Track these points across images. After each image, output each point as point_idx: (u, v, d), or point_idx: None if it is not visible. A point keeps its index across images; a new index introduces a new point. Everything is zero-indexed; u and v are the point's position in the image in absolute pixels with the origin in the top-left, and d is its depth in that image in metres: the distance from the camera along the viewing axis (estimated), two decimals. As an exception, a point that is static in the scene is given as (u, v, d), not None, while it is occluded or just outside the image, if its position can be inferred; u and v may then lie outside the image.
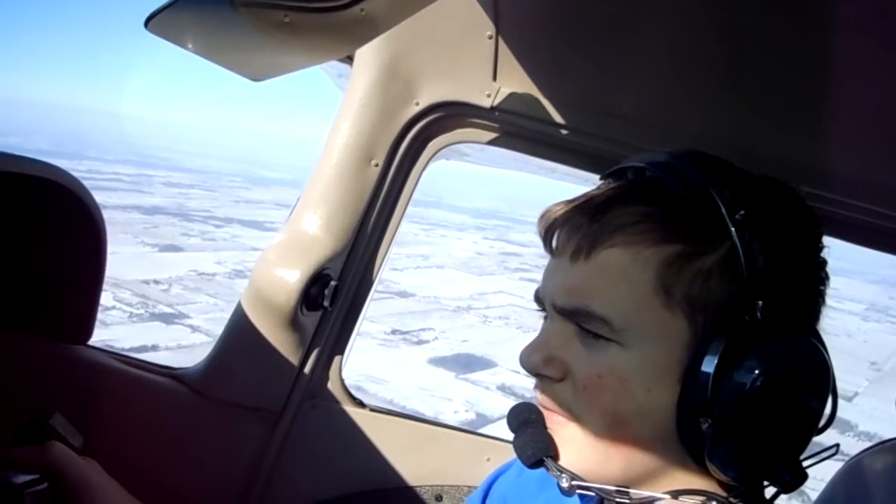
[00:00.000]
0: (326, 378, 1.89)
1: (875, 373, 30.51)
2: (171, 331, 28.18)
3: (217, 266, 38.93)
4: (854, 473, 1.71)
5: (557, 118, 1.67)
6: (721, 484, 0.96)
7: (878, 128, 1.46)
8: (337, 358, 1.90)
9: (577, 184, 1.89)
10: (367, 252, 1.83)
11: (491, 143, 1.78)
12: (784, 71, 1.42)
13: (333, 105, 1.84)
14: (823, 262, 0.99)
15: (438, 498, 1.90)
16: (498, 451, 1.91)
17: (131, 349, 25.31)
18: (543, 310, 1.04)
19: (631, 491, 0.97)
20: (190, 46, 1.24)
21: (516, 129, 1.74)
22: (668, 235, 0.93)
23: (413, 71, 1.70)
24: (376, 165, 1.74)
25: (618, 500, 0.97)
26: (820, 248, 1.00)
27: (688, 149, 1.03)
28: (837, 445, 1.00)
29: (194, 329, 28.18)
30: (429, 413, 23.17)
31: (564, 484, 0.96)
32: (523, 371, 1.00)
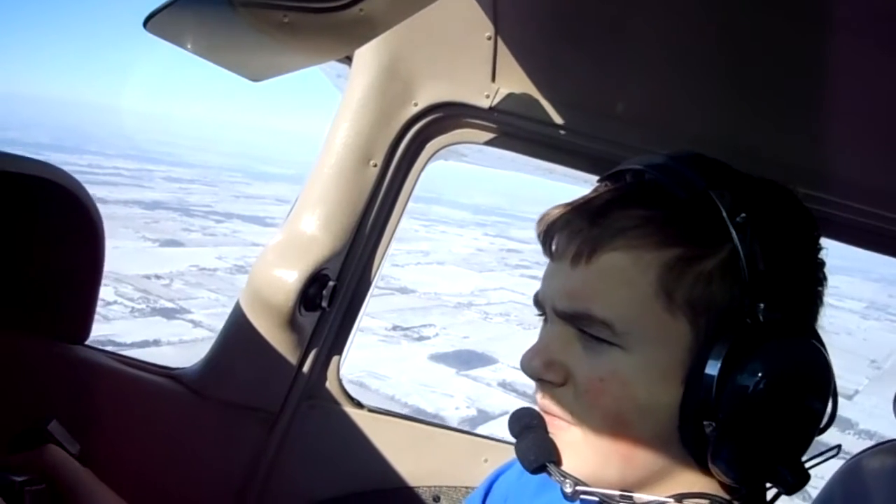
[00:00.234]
0: (324, 378, 1.90)
1: (875, 371, 30.50)
2: (172, 326, 28.20)
3: (218, 261, 38.95)
4: (852, 474, 1.71)
5: (556, 119, 1.67)
6: (723, 485, 0.96)
7: (876, 130, 1.46)
8: (335, 358, 1.90)
9: (575, 185, 1.90)
10: (365, 252, 1.83)
11: (489, 143, 1.78)
12: (783, 72, 1.42)
13: (334, 100, 1.84)
14: (822, 264, 0.99)
15: (436, 499, 1.90)
16: (495, 451, 1.91)
17: (133, 344, 25.33)
18: (543, 313, 1.04)
19: (634, 495, 0.96)
20: (189, 46, 1.24)
21: (515, 129, 1.74)
22: (669, 239, 0.93)
23: (412, 71, 1.70)
24: (375, 166, 1.74)
25: None
26: (818, 249, 1.00)
27: (686, 151, 1.02)
28: (839, 446, 1.00)
29: (196, 324, 28.20)
30: (430, 409, 23.17)
31: (568, 489, 0.95)
32: (525, 361, 0.99)
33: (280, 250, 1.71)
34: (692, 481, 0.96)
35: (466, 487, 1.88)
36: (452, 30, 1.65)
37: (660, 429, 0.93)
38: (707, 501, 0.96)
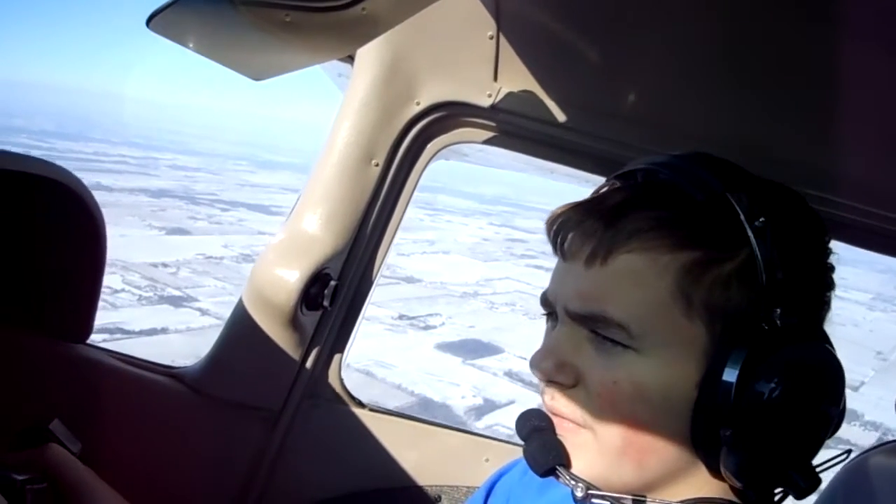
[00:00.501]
0: (326, 377, 1.90)
1: (881, 362, 30.52)
2: (180, 314, 28.40)
3: (224, 250, 39.19)
4: (855, 473, 1.71)
5: (558, 118, 1.67)
6: (733, 489, 0.96)
7: (882, 130, 1.44)
8: (336, 357, 1.90)
9: (578, 185, 1.91)
10: (367, 252, 1.83)
11: (491, 143, 1.78)
12: (787, 72, 1.41)
13: (338, 90, 1.85)
14: (832, 268, 0.99)
15: (437, 498, 1.90)
16: (497, 451, 1.91)
17: (141, 332, 25.53)
18: (550, 313, 1.03)
19: (647, 500, 0.96)
20: (191, 45, 1.24)
21: (517, 129, 1.74)
22: (686, 241, 0.92)
23: (414, 70, 1.70)
24: (377, 165, 1.74)
25: None
26: (829, 253, 0.99)
27: (695, 151, 1.02)
28: (849, 451, 1.02)
29: (203, 312, 28.40)
30: (437, 398, 23.32)
31: (579, 493, 0.95)
32: (535, 362, 0.98)
33: (282, 249, 1.71)
34: (702, 484, 0.96)
35: (468, 487, 1.88)
36: (454, 29, 1.64)
37: (672, 432, 0.92)
38: None
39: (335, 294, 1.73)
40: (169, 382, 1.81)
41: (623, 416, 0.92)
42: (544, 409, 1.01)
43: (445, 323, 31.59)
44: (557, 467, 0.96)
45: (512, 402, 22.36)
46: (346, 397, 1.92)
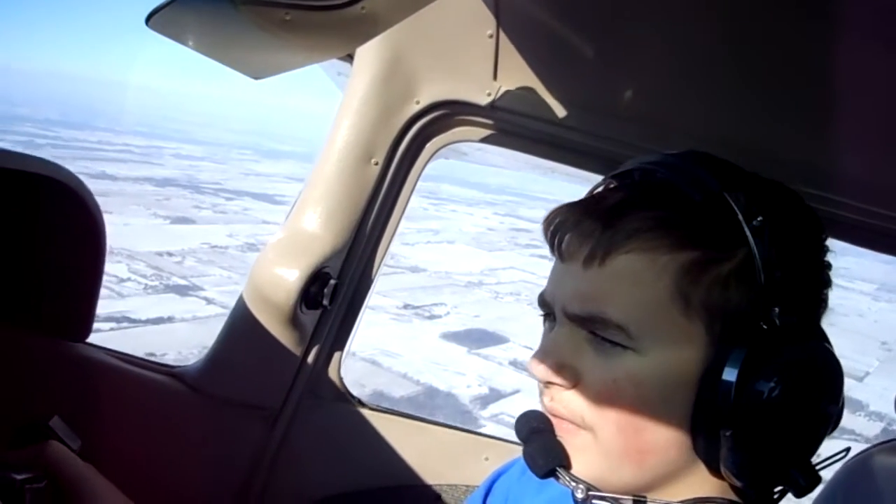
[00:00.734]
0: (326, 376, 1.90)
1: (886, 353, 30.50)
2: (186, 303, 28.51)
3: (229, 239, 39.29)
4: (855, 472, 1.70)
5: (558, 117, 1.67)
6: (732, 488, 0.96)
7: (881, 129, 1.44)
8: (336, 356, 1.91)
9: (577, 183, 1.88)
10: (366, 251, 1.84)
11: (491, 141, 1.78)
12: (786, 70, 1.41)
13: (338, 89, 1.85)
14: (828, 266, 0.99)
15: (436, 497, 1.91)
16: (496, 450, 1.92)
17: (147, 320, 25.64)
18: (547, 314, 1.03)
19: (647, 500, 0.96)
20: (191, 44, 1.24)
21: (517, 128, 1.74)
22: (685, 241, 0.92)
23: (413, 69, 1.70)
24: (376, 164, 1.74)
25: None
26: (825, 251, 0.99)
27: (693, 150, 1.01)
28: (849, 448, 1.00)
29: (209, 301, 28.50)
30: (442, 387, 23.39)
31: (580, 495, 0.95)
32: (535, 365, 0.98)
33: (281, 248, 1.70)
34: (701, 484, 0.96)
35: (467, 486, 1.89)
36: (454, 28, 1.64)
37: (671, 432, 0.92)
38: None
39: (335, 293, 1.73)
40: (169, 381, 1.81)
41: (623, 416, 0.92)
42: (543, 411, 1.01)
43: (450, 312, 31.65)
44: (557, 469, 0.96)
45: (517, 392, 22.44)
46: (345, 396, 1.92)
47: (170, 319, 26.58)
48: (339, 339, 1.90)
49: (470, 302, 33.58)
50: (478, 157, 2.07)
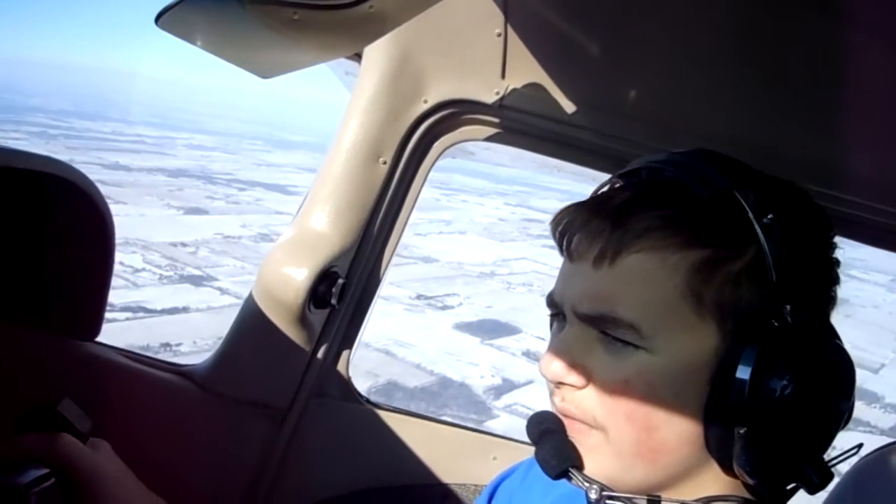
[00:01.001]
0: (334, 375, 1.90)
1: (901, 344, 30.36)
2: (200, 293, 28.70)
3: (242, 229, 39.48)
4: (866, 472, 1.69)
5: (566, 116, 1.67)
6: (746, 486, 0.96)
7: (890, 128, 1.43)
8: (344, 355, 1.91)
9: (584, 182, 1.89)
10: (374, 250, 1.83)
11: (499, 140, 1.78)
12: (795, 69, 1.41)
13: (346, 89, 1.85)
14: (837, 263, 0.99)
15: (444, 496, 1.91)
16: (505, 449, 1.92)
17: (163, 310, 25.85)
18: (556, 314, 1.03)
19: (662, 499, 0.97)
20: (199, 43, 1.24)
21: (525, 126, 1.73)
22: (695, 240, 0.92)
23: (421, 68, 1.70)
24: (384, 163, 1.74)
25: None
26: (834, 248, 0.99)
27: (700, 149, 1.02)
28: (860, 445, 1.00)
29: (223, 291, 28.68)
30: (456, 378, 23.48)
31: (593, 495, 0.95)
32: (545, 365, 0.98)
33: (289, 248, 1.70)
34: (714, 482, 0.96)
35: (475, 485, 1.89)
36: (462, 27, 1.64)
37: (684, 430, 0.92)
38: (735, 503, 0.96)
39: (343, 292, 1.73)
40: (177, 380, 1.81)
41: (635, 415, 0.92)
42: (555, 411, 1.01)
43: (463, 303, 31.73)
44: (570, 469, 0.96)
45: (530, 382, 22.47)
46: (353, 395, 1.92)
47: (185, 309, 26.77)
48: (347, 338, 1.89)
49: (482, 292, 33.63)
50: (485, 157, 2.07)
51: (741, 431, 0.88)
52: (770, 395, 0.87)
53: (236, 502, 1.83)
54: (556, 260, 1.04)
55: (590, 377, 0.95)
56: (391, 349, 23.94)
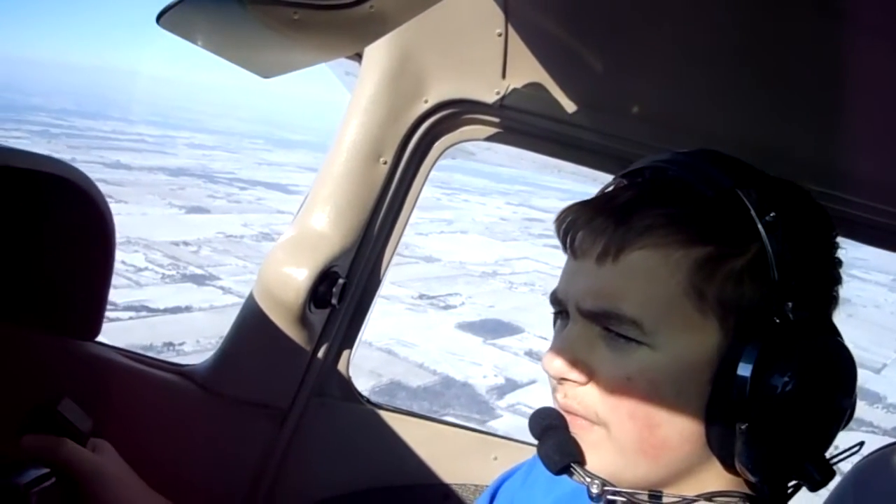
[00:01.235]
0: (334, 375, 1.90)
1: (903, 344, 30.31)
2: (203, 292, 28.76)
3: (244, 228, 39.53)
4: (870, 468, 1.70)
5: (566, 116, 1.67)
6: (747, 483, 0.96)
7: (892, 128, 1.43)
8: (345, 354, 1.90)
9: (585, 182, 1.90)
10: (375, 250, 1.83)
11: (500, 140, 1.78)
12: (797, 70, 1.41)
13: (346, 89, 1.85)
14: (839, 262, 1.00)
15: (445, 496, 1.91)
16: (506, 449, 1.92)
17: (166, 309, 25.89)
18: (559, 312, 1.03)
19: (663, 495, 0.97)
20: (200, 42, 1.25)
21: (525, 126, 1.73)
22: (698, 237, 0.92)
23: (422, 68, 1.69)
24: (385, 163, 1.74)
25: None
26: (836, 247, 1.00)
27: (703, 148, 1.02)
28: (862, 443, 1.00)
29: (226, 291, 28.73)
30: (458, 377, 23.48)
31: (595, 490, 0.95)
32: (548, 362, 0.99)
33: (290, 248, 1.70)
34: (716, 478, 0.96)
35: (476, 485, 1.89)
36: (463, 26, 1.64)
37: (686, 428, 0.93)
38: (737, 499, 0.96)
39: (343, 292, 1.73)
40: (178, 380, 1.81)
41: (637, 412, 0.93)
42: (557, 408, 1.01)
43: (465, 303, 31.77)
44: (572, 465, 0.96)
45: (533, 382, 22.50)
46: (354, 395, 1.92)
47: (187, 309, 26.83)
48: (347, 338, 1.89)
49: (484, 292, 33.66)
50: (485, 157, 2.07)
51: (742, 428, 0.88)
52: (771, 392, 0.87)
53: (237, 502, 1.83)
54: (558, 260, 1.04)
55: (592, 374, 0.95)
56: (394, 349, 23.94)
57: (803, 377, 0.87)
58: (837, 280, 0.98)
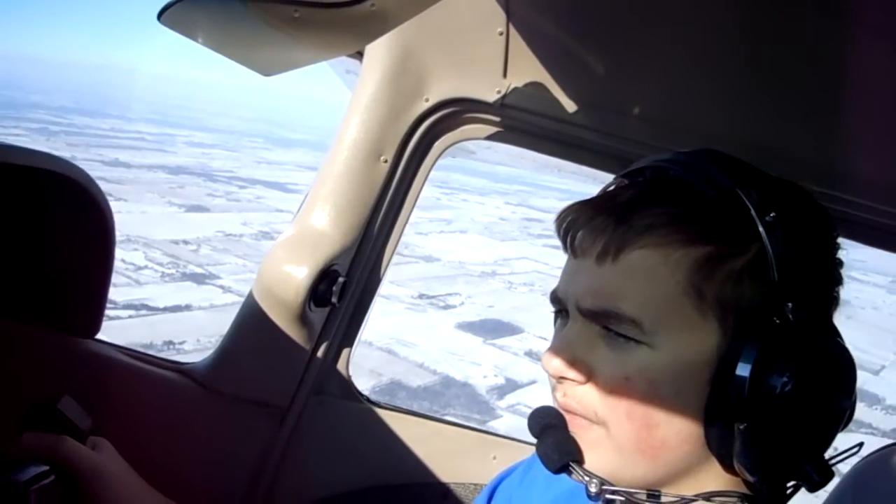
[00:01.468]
0: (334, 374, 1.90)
1: (901, 346, 30.33)
2: (202, 291, 28.77)
3: (243, 227, 39.53)
4: (869, 469, 1.69)
5: (567, 115, 1.66)
6: (746, 483, 0.96)
7: (893, 129, 1.43)
8: (344, 353, 1.90)
9: (585, 181, 1.91)
10: (375, 248, 1.83)
11: (500, 139, 1.78)
12: (798, 70, 1.40)
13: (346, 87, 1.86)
14: (840, 263, 0.99)
15: (444, 495, 1.91)
16: (505, 448, 1.92)
17: (166, 308, 25.90)
18: (559, 311, 1.04)
19: (662, 494, 0.97)
20: (201, 40, 1.24)
21: (526, 125, 1.73)
22: (698, 237, 0.92)
23: (423, 67, 1.69)
24: (385, 162, 1.73)
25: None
26: (837, 248, 1.00)
27: (704, 148, 1.02)
28: (861, 444, 1.00)
29: (225, 289, 28.74)
30: (459, 377, 23.49)
31: (593, 489, 0.95)
32: (548, 360, 0.99)
33: (290, 246, 1.70)
34: (715, 478, 0.96)
35: (475, 484, 1.89)
36: (464, 25, 1.63)
37: (684, 427, 0.93)
38: (735, 499, 0.96)
39: (343, 290, 1.72)
40: (178, 378, 1.81)
41: (635, 411, 0.93)
42: (556, 407, 1.01)
43: (465, 302, 31.79)
44: (571, 464, 0.96)
45: (533, 382, 22.50)
46: (353, 394, 1.92)
47: (187, 307, 26.83)
48: (347, 336, 1.89)
49: (484, 292, 33.67)
50: (485, 156, 2.06)
51: (741, 428, 0.88)
52: (770, 393, 0.87)
53: (236, 500, 1.83)
54: (557, 260, 1.04)
55: (591, 373, 0.95)
56: (394, 348, 23.94)
57: (802, 378, 0.87)
58: (838, 281, 0.98)
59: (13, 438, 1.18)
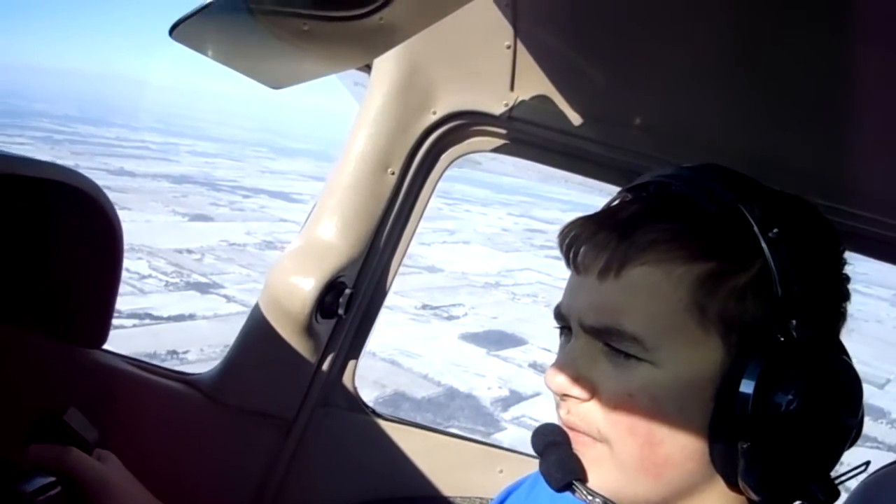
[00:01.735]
0: (340, 386, 1.90)
1: (907, 359, 30.17)
2: (206, 300, 28.72)
3: (247, 237, 39.51)
4: (875, 488, 1.68)
5: (573, 128, 1.67)
6: (751, 502, 0.95)
7: None
8: (351, 365, 1.91)
9: (591, 194, 1.91)
10: (381, 260, 1.84)
11: (507, 152, 1.78)
12: (804, 82, 1.40)
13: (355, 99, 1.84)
14: (847, 279, 0.99)
15: None
16: (510, 462, 1.91)
17: (169, 318, 25.85)
18: (563, 327, 1.03)
19: None
20: (210, 54, 1.25)
21: (533, 138, 1.74)
22: (700, 253, 0.92)
23: (431, 80, 1.70)
24: (392, 174, 1.74)
25: None
26: (843, 264, 0.99)
27: (708, 163, 1.02)
28: (868, 462, 1.00)
29: (229, 299, 28.68)
30: (463, 389, 23.41)
31: None
32: (551, 377, 0.98)
33: (297, 257, 1.70)
34: (719, 497, 0.96)
35: (481, 498, 1.89)
36: (472, 39, 1.64)
37: (688, 445, 0.92)
38: None
39: (350, 302, 1.73)
40: (183, 389, 1.81)
41: (639, 429, 0.92)
42: (560, 424, 1.00)
43: (468, 313, 31.69)
44: (574, 482, 0.95)
45: (538, 394, 22.38)
46: (359, 406, 1.92)
47: (191, 317, 26.79)
48: (353, 348, 1.89)
49: (488, 303, 33.58)
50: (492, 167, 2.07)
51: (745, 446, 0.87)
52: (775, 411, 0.86)
53: None
54: (560, 271, 1.04)
55: (594, 390, 0.95)
56: (397, 359, 23.89)
57: (807, 395, 0.86)
58: (845, 296, 0.97)
59: (20, 449, 1.18)
